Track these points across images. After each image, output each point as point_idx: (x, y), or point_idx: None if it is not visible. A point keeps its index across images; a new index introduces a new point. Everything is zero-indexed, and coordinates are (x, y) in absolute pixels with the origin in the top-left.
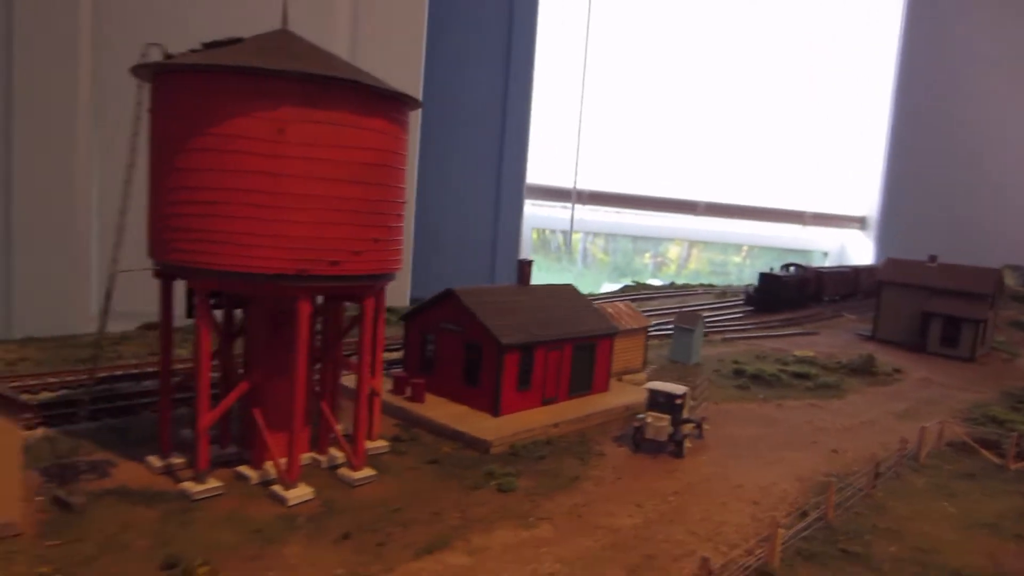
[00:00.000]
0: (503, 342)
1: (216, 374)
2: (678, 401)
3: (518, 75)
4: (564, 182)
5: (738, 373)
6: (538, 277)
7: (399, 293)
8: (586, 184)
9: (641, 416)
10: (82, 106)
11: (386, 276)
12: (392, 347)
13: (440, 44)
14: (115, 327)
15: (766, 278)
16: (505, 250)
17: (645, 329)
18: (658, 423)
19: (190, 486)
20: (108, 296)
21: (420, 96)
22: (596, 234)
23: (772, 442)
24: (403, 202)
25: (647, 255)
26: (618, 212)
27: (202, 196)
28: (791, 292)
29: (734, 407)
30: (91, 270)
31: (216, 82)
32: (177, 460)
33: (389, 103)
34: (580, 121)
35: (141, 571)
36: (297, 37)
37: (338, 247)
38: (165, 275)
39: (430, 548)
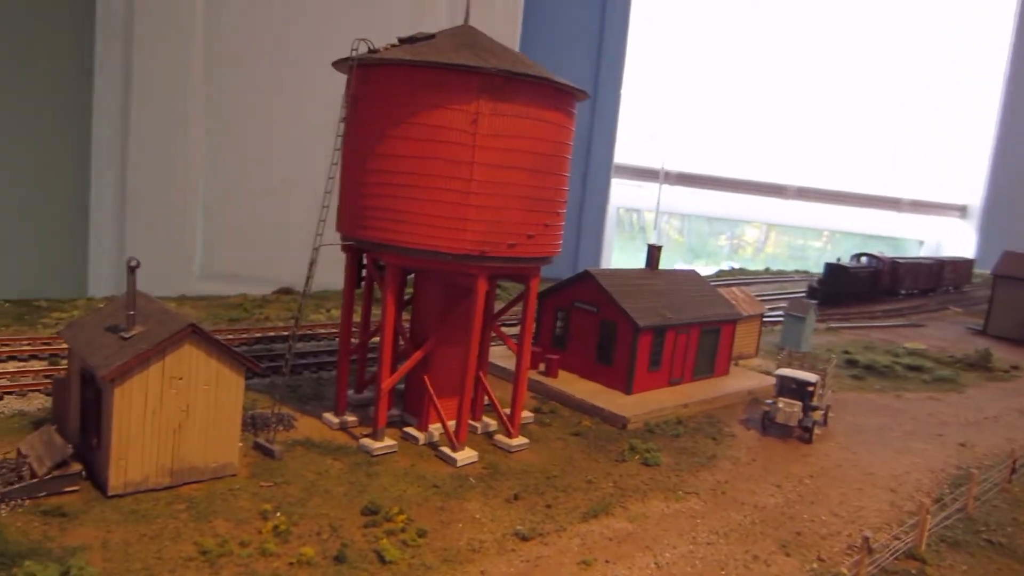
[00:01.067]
0: (640, 324)
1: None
2: (810, 388)
3: (609, 54)
4: (647, 161)
5: (851, 363)
6: (614, 257)
7: None
8: (673, 164)
9: (770, 401)
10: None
11: (549, 258)
12: (509, 323)
13: (533, 21)
14: (256, 291)
15: (833, 269)
16: (590, 229)
17: (760, 315)
18: (789, 408)
19: (369, 442)
20: (311, 265)
21: None
22: (671, 214)
23: (897, 433)
24: (567, 190)
25: (723, 237)
26: (695, 192)
27: (398, 180)
28: (860, 285)
29: (852, 396)
30: (196, 235)
31: (418, 76)
32: (350, 418)
33: (565, 97)
34: (670, 100)
35: (346, 514)
36: (480, 33)
37: (515, 231)
38: (355, 250)
39: (594, 512)
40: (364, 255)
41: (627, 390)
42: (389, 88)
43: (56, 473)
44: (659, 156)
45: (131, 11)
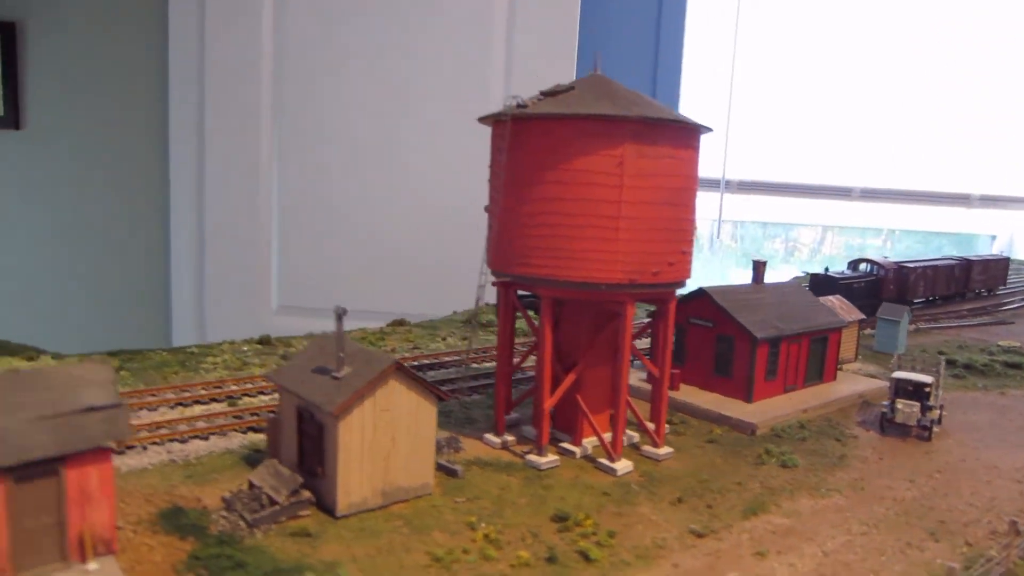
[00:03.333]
0: (757, 336)
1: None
2: (927, 389)
3: (667, 60)
4: (705, 171)
5: (949, 363)
6: None
7: None
8: (732, 172)
9: (886, 403)
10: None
11: (684, 282)
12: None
13: (589, 24)
14: (371, 324)
15: (817, 281)
16: None
17: (858, 321)
18: (908, 409)
19: (535, 458)
20: (477, 301)
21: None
22: (725, 221)
23: (1010, 428)
24: (696, 218)
25: (778, 240)
26: (748, 199)
27: (554, 220)
28: (855, 297)
29: (958, 395)
30: (271, 274)
31: (568, 127)
32: (509, 438)
33: (694, 135)
34: (729, 108)
35: (540, 522)
36: (611, 80)
37: (657, 260)
38: (510, 284)
39: (752, 510)
40: (511, 289)
41: (748, 399)
42: (543, 139)
43: (293, 500)
44: (719, 164)
45: (202, 64)
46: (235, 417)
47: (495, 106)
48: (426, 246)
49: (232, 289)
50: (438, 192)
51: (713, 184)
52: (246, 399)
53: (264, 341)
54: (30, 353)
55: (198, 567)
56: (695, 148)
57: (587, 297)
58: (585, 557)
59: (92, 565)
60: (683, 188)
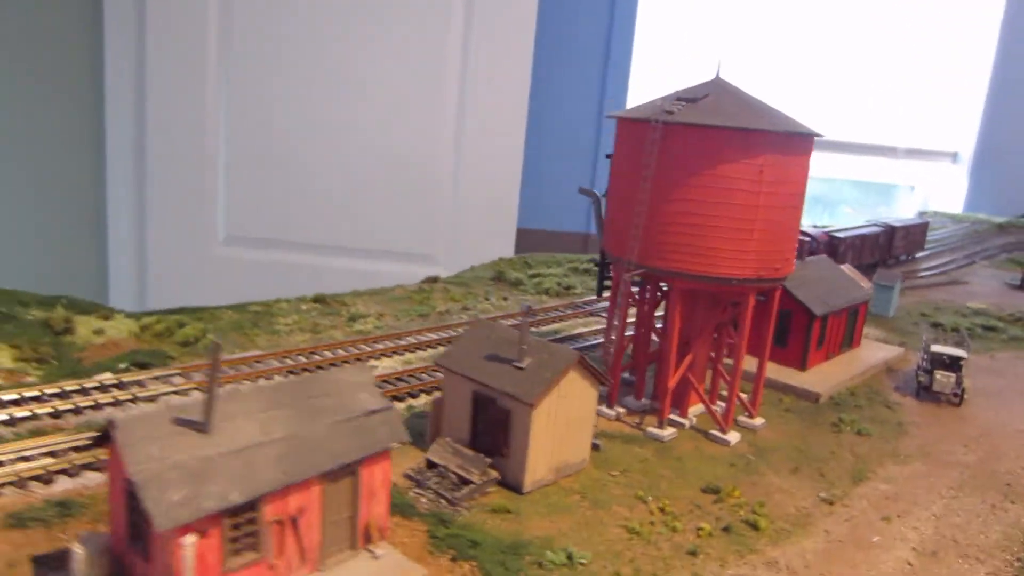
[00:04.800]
0: (815, 312)
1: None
2: (961, 362)
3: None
4: None
5: (936, 326)
6: None
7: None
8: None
9: (920, 371)
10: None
11: (788, 276)
12: None
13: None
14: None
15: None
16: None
17: (868, 291)
18: (945, 379)
19: (657, 431)
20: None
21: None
22: None
23: (1017, 391)
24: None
25: None
26: None
27: (694, 220)
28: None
29: None
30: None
31: (716, 137)
32: (620, 409)
33: (811, 143)
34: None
35: (693, 494)
36: (734, 87)
37: (779, 257)
38: (647, 276)
39: (858, 477)
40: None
41: (802, 367)
42: (691, 146)
43: (483, 479)
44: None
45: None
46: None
47: (452, 38)
48: (374, 180)
49: (176, 218)
50: (388, 127)
51: None
52: (355, 365)
53: (319, 299)
54: (104, 312)
55: (443, 547)
56: (810, 155)
57: (717, 289)
58: (753, 527)
59: (379, 550)
60: (800, 192)
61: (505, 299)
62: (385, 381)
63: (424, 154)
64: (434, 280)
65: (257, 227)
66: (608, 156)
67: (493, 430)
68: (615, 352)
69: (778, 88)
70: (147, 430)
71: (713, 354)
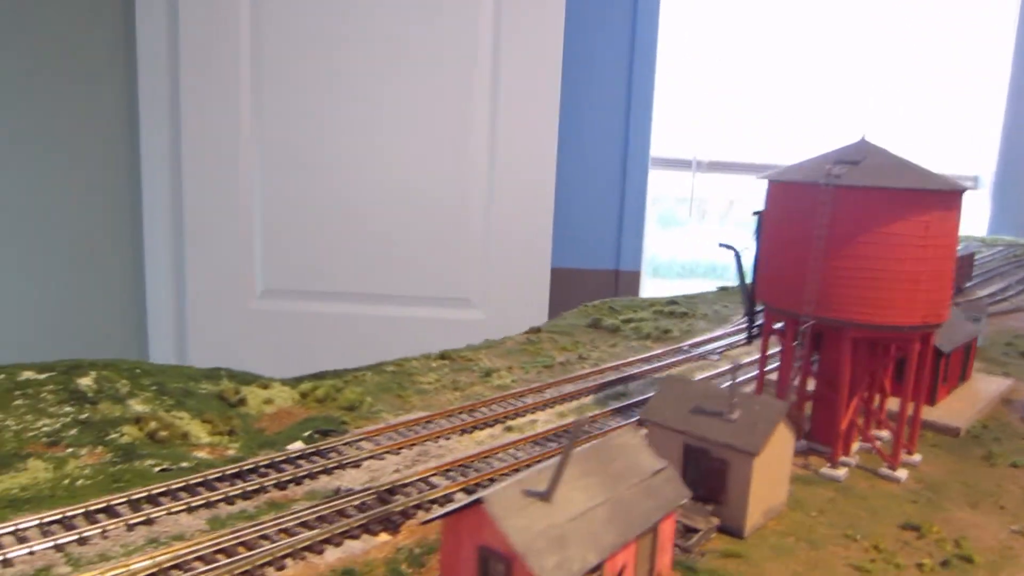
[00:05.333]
0: (944, 350)
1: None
2: None
3: (642, 49)
4: (675, 151)
5: None
6: None
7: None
8: (704, 153)
9: None
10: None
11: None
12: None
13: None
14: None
15: None
16: (631, 222)
17: (977, 327)
18: None
19: (831, 471)
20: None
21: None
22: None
23: None
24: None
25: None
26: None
27: (865, 274)
28: None
29: None
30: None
31: (884, 197)
32: None
33: (961, 197)
34: (702, 89)
35: (893, 531)
36: (883, 148)
37: (941, 304)
38: (817, 325)
39: None
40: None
41: (931, 403)
42: (861, 206)
43: (707, 527)
44: (689, 144)
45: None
46: (539, 443)
47: (481, 88)
48: (406, 226)
49: (214, 275)
50: (418, 172)
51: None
52: (518, 420)
53: (445, 356)
54: (262, 381)
55: None
56: (961, 207)
57: (886, 337)
58: (968, 560)
59: None
60: (955, 243)
61: (613, 346)
62: (561, 433)
63: (456, 197)
64: (537, 331)
65: (293, 279)
66: (756, 213)
67: (708, 480)
68: (798, 400)
69: (797, 116)
70: (504, 503)
71: (867, 395)
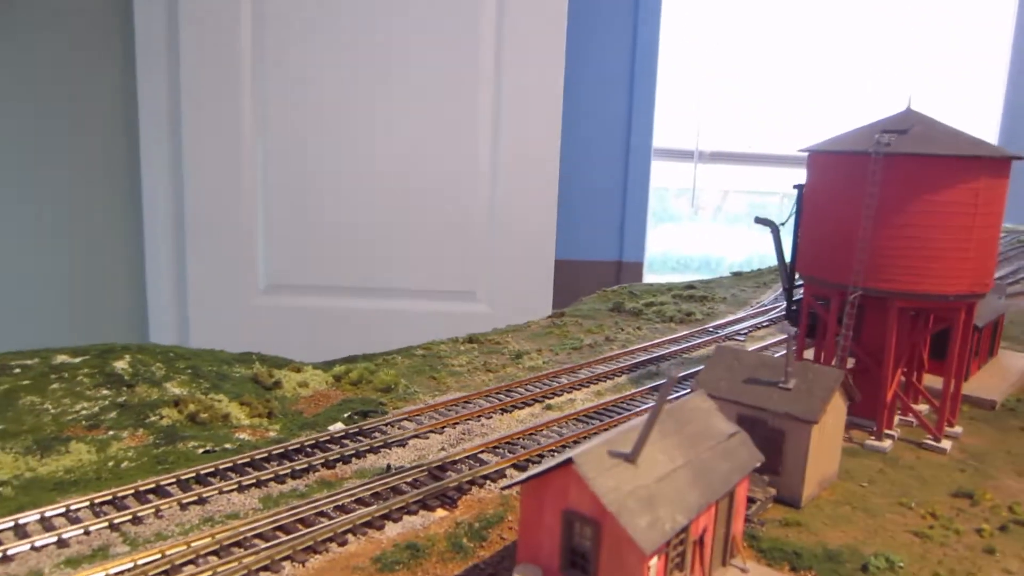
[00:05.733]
0: (978, 325)
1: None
2: None
3: (644, 41)
4: (676, 142)
5: None
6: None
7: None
8: (705, 144)
9: None
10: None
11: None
12: None
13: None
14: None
15: None
16: (633, 212)
17: (1005, 304)
18: None
19: (876, 443)
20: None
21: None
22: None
23: None
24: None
25: (683, 199)
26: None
27: (913, 243)
28: None
29: None
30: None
31: (935, 165)
32: None
33: (1009, 166)
34: (702, 80)
35: (945, 499)
36: (930, 117)
37: (988, 273)
38: (868, 296)
39: None
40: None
41: (965, 378)
42: (912, 174)
43: (766, 497)
44: (691, 135)
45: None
46: (581, 420)
47: (484, 72)
48: (411, 220)
49: (216, 269)
50: (422, 166)
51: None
52: (557, 399)
53: (473, 339)
54: (293, 365)
55: (775, 558)
56: (1008, 176)
57: (932, 307)
58: (1022, 524)
59: (740, 563)
60: (1002, 211)
61: (638, 328)
62: (601, 411)
63: (460, 191)
64: (561, 314)
65: (296, 274)
66: (796, 187)
67: (764, 449)
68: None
69: (796, 106)
70: (593, 464)
71: (905, 369)
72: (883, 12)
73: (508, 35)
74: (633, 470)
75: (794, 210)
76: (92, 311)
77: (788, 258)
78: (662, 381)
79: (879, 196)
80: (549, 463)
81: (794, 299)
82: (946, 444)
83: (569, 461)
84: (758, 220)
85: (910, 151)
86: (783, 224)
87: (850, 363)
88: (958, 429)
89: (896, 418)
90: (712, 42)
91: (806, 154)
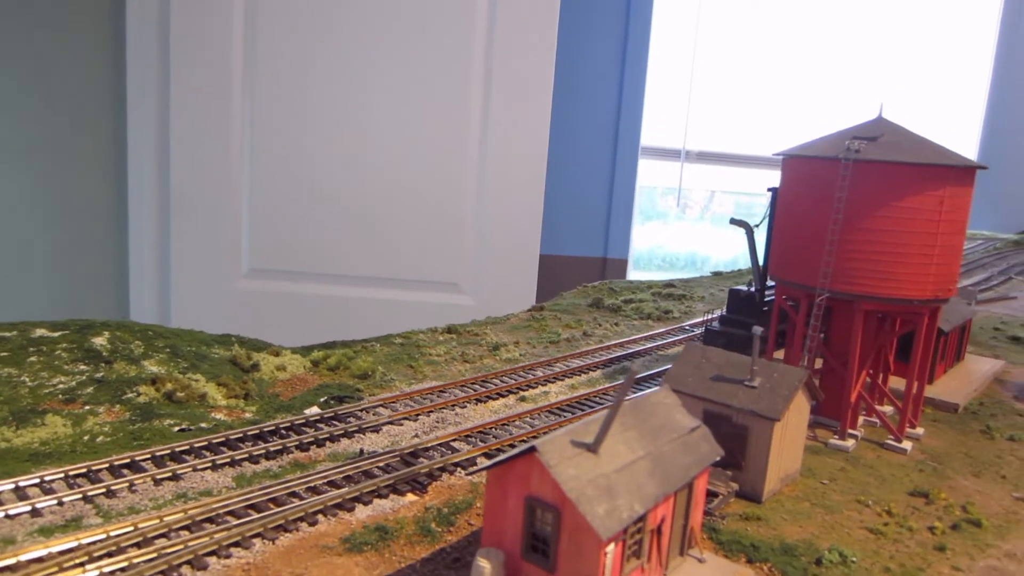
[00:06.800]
0: (944, 329)
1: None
2: None
3: (635, 40)
4: (663, 141)
5: (1015, 339)
6: None
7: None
8: (693, 144)
9: None
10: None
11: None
12: None
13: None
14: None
15: (741, 300)
16: (619, 210)
17: (973, 309)
18: None
19: (839, 443)
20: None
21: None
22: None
23: None
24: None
25: (671, 198)
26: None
27: (879, 247)
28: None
29: None
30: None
31: (901, 172)
32: None
33: (974, 175)
34: (691, 80)
35: (902, 498)
36: (899, 125)
37: (950, 279)
38: (836, 298)
39: None
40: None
41: (930, 381)
42: (878, 180)
43: (727, 491)
44: (679, 134)
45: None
46: (554, 412)
47: (475, 66)
48: (397, 210)
49: (199, 252)
50: (410, 156)
51: (671, 154)
52: (531, 391)
53: (452, 330)
54: (272, 349)
55: (732, 551)
56: (972, 185)
57: (897, 310)
58: (976, 524)
59: (697, 554)
60: (966, 218)
61: (616, 325)
62: (574, 404)
63: (447, 182)
64: (540, 308)
65: (280, 259)
66: (770, 190)
67: (727, 445)
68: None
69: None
70: (555, 453)
71: (871, 371)
72: (870, 18)
73: (499, 28)
74: (594, 459)
75: (768, 212)
76: (73, 290)
77: (761, 259)
78: (623, 377)
79: (847, 200)
80: (515, 451)
81: (766, 300)
82: (907, 445)
83: (532, 449)
84: (733, 221)
85: (878, 158)
86: (757, 226)
87: (818, 364)
88: (920, 430)
89: (860, 418)
90: (702, 42)
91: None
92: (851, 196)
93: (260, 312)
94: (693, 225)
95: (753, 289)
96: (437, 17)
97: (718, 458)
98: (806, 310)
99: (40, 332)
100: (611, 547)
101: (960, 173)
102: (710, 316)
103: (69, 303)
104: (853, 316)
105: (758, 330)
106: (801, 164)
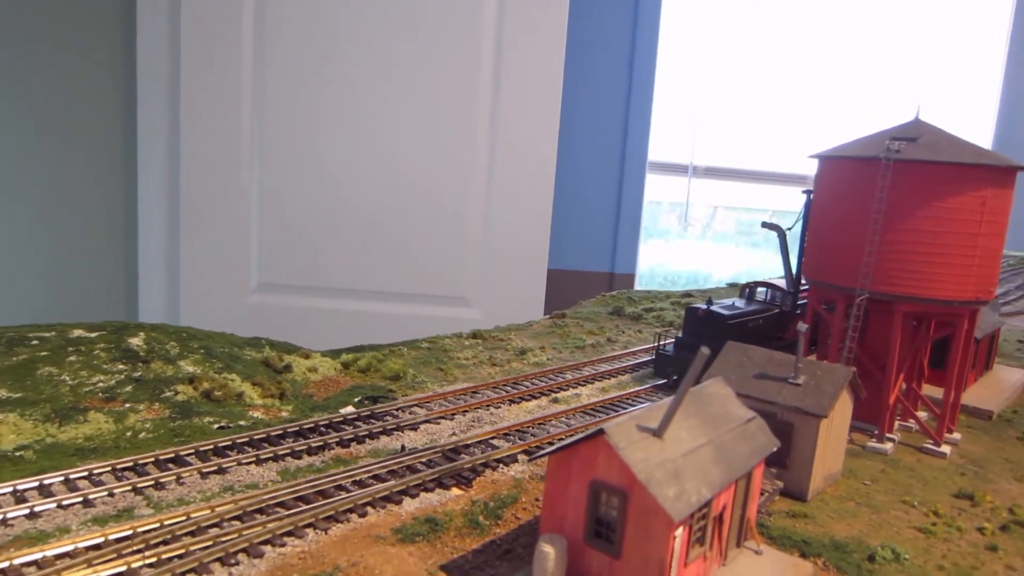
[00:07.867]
0: (978, 337)
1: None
2: None
3: (642, 56)
4: (670, 156)
5: None
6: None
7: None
8: (700, 159)
9: None
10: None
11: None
12: None
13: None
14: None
15: (698, 319)
16: (627, 225)
17: (1001, 318)
18: None
19: (878, 445)
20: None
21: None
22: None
23: None
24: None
25: (673, 215)
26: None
27: (920, 248)
28: (753, 338)
29: None
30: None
31: (943, 172)
32: None
33: (1015, 175)
34: (699, 95)
35: (947, 499)
36: (933, 125)
37: (991, 280)
38: (874, 300)
39: None
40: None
41: (963, 388)
42: (920, 181)
43: (774, 489)
44: (686, 149)
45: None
46: (588, 413)
47: (484, 82)
48: (406, 224)
49: (208, 265)
50: (417, 171)
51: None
52: (562, 393)
53: (476, 335)
54: (302, 351)
55: (784, 546)
56: (1014, 186)
57: (936, 312)
58: (1022, 525)
59: (754, 546)
60: (1007, 220)
61: (640, 331)
62: (607, 405)
63: (456, 197)
64: (562, 315)
65: (289, 274)
66: (805, 192)
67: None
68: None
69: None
70: (623, 436)
71: (905, 376)
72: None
73: (508, 44)
74: (660, 444)
75: (801, 215)
76: (83, 303)
77: (794, 263)
78: (697, 355)
79: (888, 201)
80: (581, 434)
81: (799, 303)
82: (946, 449)
83: (600, 432)
84: (765, 225)
85: (920, 158)
86: (790, 229)
87: None
88: (957, 436)
89: (895, 423)
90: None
91: (801, 170)
92: (892, 196)
93: (270, 326)
94: (695, 243)
95: (709, 306)
96: (447, 34)
97: (775, 449)
98: (843, 312)
99: (78, 332)
100: (680, 531)
101: (1002, 173)
102: (662, 340)
103: (79, 316)
104: (892, 318)
105: (706, 351)
106: (839, 165)
